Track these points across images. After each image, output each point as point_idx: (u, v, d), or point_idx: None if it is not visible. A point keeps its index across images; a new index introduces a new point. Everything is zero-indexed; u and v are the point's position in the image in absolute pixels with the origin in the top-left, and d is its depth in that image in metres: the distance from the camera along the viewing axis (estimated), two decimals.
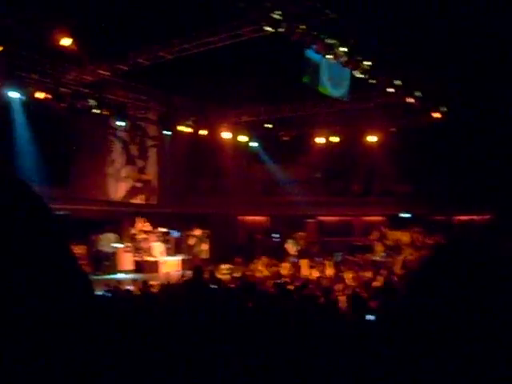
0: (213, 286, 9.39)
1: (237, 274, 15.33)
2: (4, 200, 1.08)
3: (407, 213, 27.36)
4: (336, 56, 13.67)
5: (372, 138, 21.67)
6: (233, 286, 11.47)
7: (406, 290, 1.25)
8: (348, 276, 14.15)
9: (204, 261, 20.17)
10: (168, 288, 10.88)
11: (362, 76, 14.65)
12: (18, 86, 15.33)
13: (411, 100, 16.60)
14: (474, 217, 27.29)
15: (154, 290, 11.03)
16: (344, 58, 13.75)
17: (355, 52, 13.90)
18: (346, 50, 13.59)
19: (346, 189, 27.48)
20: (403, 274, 14.40)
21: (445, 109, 17.83)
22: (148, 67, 15.44)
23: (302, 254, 20.44)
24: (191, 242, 21.20)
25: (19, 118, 17.30)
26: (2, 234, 1.04)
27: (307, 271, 16.45)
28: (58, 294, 1.08)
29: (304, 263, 17.45)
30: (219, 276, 13.94)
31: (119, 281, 14.90)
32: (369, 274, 14.78)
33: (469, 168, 24.69)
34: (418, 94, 16.44)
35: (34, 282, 1.04)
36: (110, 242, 19.09)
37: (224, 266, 16.63)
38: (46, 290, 1.05)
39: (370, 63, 14.26)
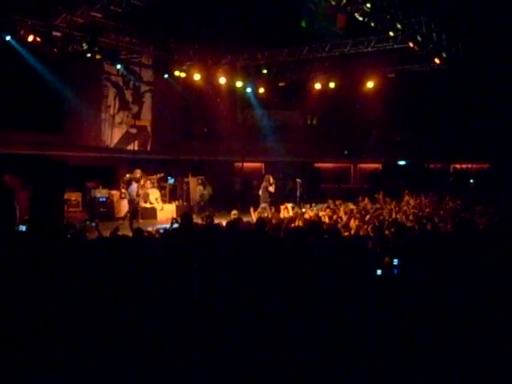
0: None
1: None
2: None
3: (404, 160, 27.32)
4: None
5: (370, 84, 21.21)
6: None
7: None
8: None
9: (199, 207, 20.11)
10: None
11: (362, 19, 14.23)
12: (8, 28, 14.83)
13: (412, 44, 16.17)
14: (471, 165, 27.30)
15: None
16: (344, 0, 13.34)
17: None
18: None
19: (342, 136, 27.29)
20: None
21: (445, 55, 17.40)
22: (142, 9, 14.90)
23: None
24: (186, 188, 21.04)
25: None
26: None
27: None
28: None
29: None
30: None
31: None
32: None
33: (467, 116, 24.50)
34: (418, 38, 15.98)
35: None
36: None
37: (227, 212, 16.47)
38: None
39: (370, 6, 13.81)
